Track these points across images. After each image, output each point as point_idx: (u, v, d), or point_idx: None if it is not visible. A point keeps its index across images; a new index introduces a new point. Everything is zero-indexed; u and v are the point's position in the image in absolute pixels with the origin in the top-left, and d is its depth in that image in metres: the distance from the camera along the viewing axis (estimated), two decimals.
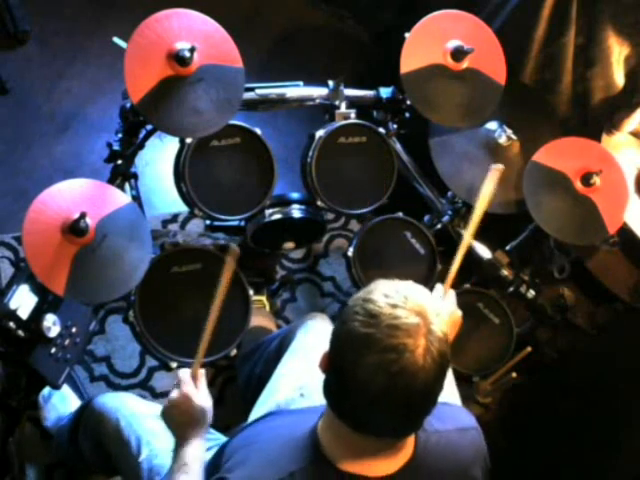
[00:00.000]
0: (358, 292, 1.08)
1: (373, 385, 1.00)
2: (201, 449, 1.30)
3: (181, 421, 1.30)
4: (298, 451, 1.14)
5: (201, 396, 1.32)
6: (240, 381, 1.97)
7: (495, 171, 1.60)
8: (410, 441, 1.14)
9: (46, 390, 1.91)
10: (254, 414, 1.55)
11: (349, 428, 1.08)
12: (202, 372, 1.36)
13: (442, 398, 1.15)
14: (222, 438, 1.53)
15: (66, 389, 1.93)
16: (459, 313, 1.61)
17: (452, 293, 1.62)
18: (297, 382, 1.53)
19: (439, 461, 1.18)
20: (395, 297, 1.03)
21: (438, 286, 1.65)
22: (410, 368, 0.99)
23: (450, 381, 1.53)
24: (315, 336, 1.68)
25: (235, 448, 1.22)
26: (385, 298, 1.03)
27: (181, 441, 1.29)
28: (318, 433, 1.14)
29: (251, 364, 1.89)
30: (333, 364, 1.07)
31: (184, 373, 1.34)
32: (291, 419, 1.29)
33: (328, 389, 1.10)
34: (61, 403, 1.91)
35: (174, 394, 1.32)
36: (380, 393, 1.01)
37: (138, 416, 1.58)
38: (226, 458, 1.20)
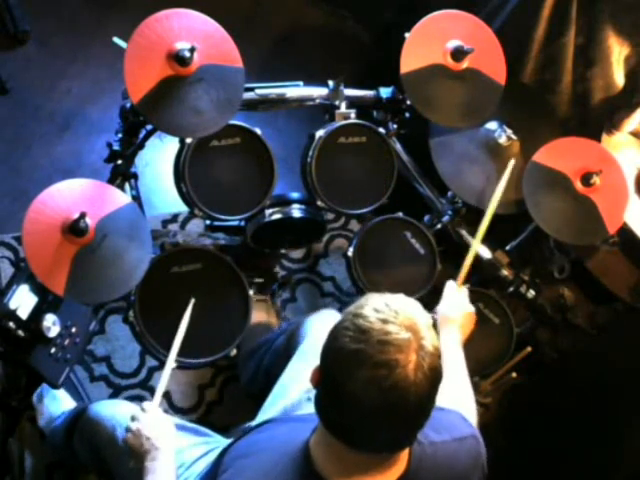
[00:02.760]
0: (349, 306, 1.07)
1: (365, 401, 1.00)
2: (167, 467, 1.35)
3: (136, 452, 1.37)
4: (291, 466, 1.13)
5: (150, 427, 1.38)
6: (244, 377, 1.97)
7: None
8: (404, 455, 1.13)
9: (38, 389, 1.90)
10: (261, 416, 1.55)
11: (341, 444, 1.07)
12: (155, 405, 1.44)
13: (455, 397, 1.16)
14: (221, 440, 1.53)
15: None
16: (472, 309, 1.66)
17: (464, 290, 1.67)
18: (305, 386, 1.53)
19: (435, 473, 1.17)
20: (386, 312, 1.02)
21: (450, 283, 1.69)
22: (402, 384, 0.99)
23: (464, 376, 1.54)
24: (323, 337, 1.68)
25: (233, 458, 1.22)
26: (376, 313, 1.02)
27: (143, 470, 1.36)
28: (310, 448, 1.13)
29: (257, 359, 1.89)
30: (324, 379, 1.06)
31: (136, 411, 1.42)
32: (288, 429, 1.28)
33: (319, 404, 1.09)
34: (53, 403, 1.91)
35: (128, 434, 1.39)
36: (372, 409, 1.00)
37: None
38: (223, 468, 1.20)
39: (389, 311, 1.02)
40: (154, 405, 1.45)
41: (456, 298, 1.67)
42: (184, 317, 1.59)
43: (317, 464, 1.11)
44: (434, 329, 1.06)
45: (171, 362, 1.55)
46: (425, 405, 1.04)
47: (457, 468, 1.21)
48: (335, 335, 1.04)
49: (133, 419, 1.40)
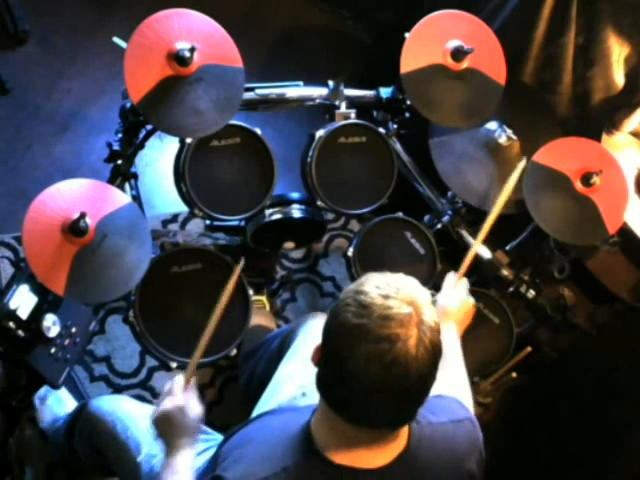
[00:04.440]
0: (349, 286, 1.08)
1: (366, 375, 1.01)
2: (192, 458, 1.30)
3: (173, 432, 1.30)
4: (292, 447, 1.14)
5: (193, 407, 1.33)
6: (242, 380, 1.98)
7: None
8: (404, 433, 1.14)
9: (42, 391, 1.91)
10: (256, 412, 1.55)
11: (342, 420, 1.08)
12: (193, 381, 1.37)
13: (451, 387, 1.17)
14: (219, 438, 1.53)
15: (62, 390, 1.93)
16: (472, 301, 1.66)
17: (464, 281, 1.67)
18: (299, 381, 1.53)
19: (433, 453, 1.18)
20: (387, 288, 1.04)
21: (450, 274, 1.69)
22: (403, 358, 1.00)
23: (461, 366, 1.54)
24: (316, 335, 1.68)
25: (231, 448, 1.22)
26: (377, 289, 1.03)
27: (172, 450, 1.29)
28: (311, 427, 1.15)
29: (252, 363, 1.89)
30: (326, 356, 1.08)
31: (178, 382, 1.34)
32: (286, 416, 1.30)
33: (321, 382, 1.10)
34: (57, 404, 1.91)
35: (167, 405, 1.31)
36: (374, 383, 1.01)
37: (134, 418, 1.58)
38: (222, 458, 1.20)
39: (390, 287, 1.04)
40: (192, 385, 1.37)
41: (455, 290, 1.67)
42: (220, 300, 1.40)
43: (318, 442, 1.13)
44: (433, 306, 1.07)
45: (205, 340, 1.38)
46: (426, 380, 1.05)
47: (455, 449, 1.22)
48: (337, 312, 1.05)
49: (170, 392, 1.32)
